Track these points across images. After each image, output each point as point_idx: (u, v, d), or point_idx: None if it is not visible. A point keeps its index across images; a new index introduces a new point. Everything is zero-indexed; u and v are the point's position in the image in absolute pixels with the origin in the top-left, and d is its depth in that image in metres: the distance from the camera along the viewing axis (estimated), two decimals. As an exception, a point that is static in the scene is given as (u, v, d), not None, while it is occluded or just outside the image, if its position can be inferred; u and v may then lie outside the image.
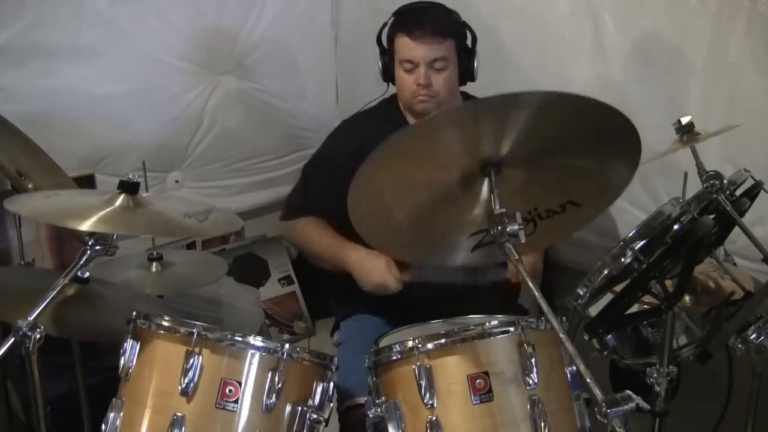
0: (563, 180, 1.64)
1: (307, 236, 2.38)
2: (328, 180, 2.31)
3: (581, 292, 1.72)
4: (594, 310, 1.83)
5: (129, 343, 1.63)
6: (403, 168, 1.57)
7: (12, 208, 1.66)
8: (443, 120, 1.58)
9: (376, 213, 1.65)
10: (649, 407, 1.42)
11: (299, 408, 1.61)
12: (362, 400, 1.98)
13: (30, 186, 2.01)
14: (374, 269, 2.18)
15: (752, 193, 1.94)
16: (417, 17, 2.17)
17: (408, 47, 2.15)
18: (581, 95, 1.45)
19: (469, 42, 2.23)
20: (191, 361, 1.56)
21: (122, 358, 1.63)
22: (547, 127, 1.51)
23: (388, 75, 2.26)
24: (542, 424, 1.55)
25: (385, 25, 2.24)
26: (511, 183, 1.58)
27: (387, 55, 2.24)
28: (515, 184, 1.59)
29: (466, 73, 2.23)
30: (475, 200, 1.62)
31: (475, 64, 2.22)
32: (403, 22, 2.18)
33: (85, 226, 1.56)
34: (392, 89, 2.32)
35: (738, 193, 1.91)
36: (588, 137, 1.55)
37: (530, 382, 1.58)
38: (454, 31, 2.18)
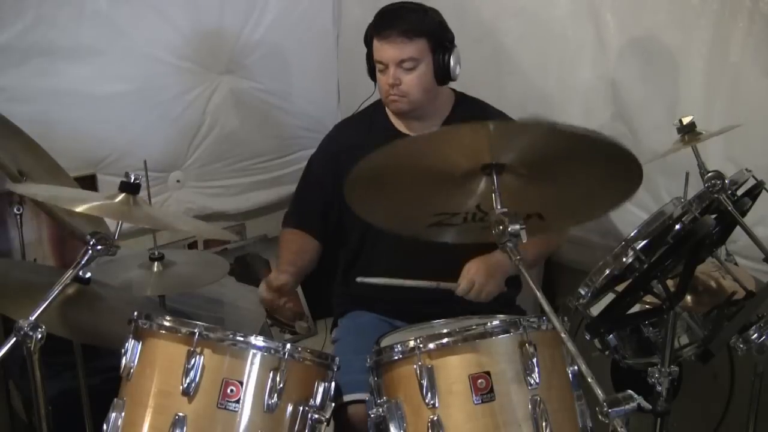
0: (548, 192, 1.60)
1: (280, 244, 2.40)
2: (315, 188, 2.35)
3: (583, 292, 1.71)
4: (595, 310, 1.83)
5: (130, 343, 1.63)
6: (404, 165, 1.54)
7: (15, 189, 1.66)
8: (443, 135, 1.57)
9: (369, 186, 1.60)
10: (650, 407, 1.42)
11: (301, 408, 1.61)
12: (359, 396, 1.99)
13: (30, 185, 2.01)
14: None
15: (754, 193, 1.93)
16: (387, 18, 2.19)
17: (378, 48, 2.19)
18: (587, 132, 1.42)
19: (445, 41, 2.21)
20: (193, 361, 1.56)
21: (124, 358, 1.63)
22: (549, 148, 1.48)
23: (373, 74, 2.29)
24: (544, 424, 1.55)
25: (370, 25, 2.25)
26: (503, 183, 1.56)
27: (370, 55, 2.26)
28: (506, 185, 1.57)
29: (442, 72, 2.21)
30: (471, 193, 1.60)
31: (453, 63, 2.21)
32: (376, 23, 2.21)
33: (82, 208, 1.58)
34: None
35: (739, 192, 1.91)
36: (590, 163, 1.52)
37: (532, 381, 1.58)
38: (426, 31, 2.17)
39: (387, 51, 2.16)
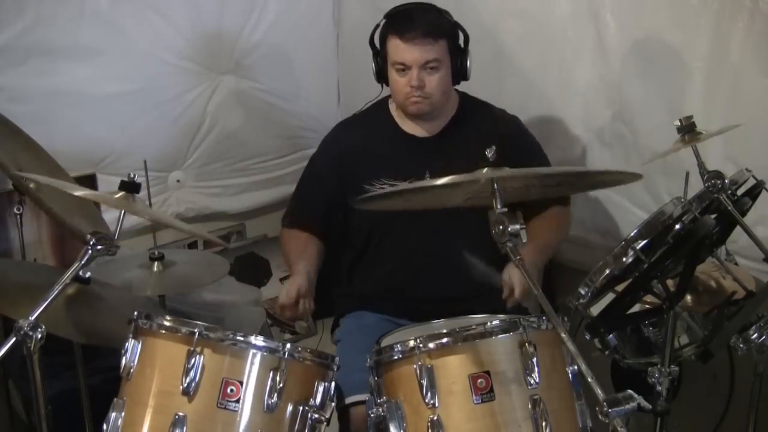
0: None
1: (283, 245, 2.39)
2: (317, 187, 2.33)
3: (583, 292, 1.71)
4: (595, 310, 1.83)
5: (131, 343, 1.63)
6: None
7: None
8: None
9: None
10: (650, 407, 1.42)
11: (301, 408, 1.61)
12: (361, 397, 1.99)
13: (31, 185, 2.01)
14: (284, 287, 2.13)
15: (754, 193, 1.93)
16: (408, 19, 2.16)
17: (400, 49, 2.15)
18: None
19: (461, 41, 2.23)
20: (193, 360, 1.56)
21: (124, 358, 1.63)
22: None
23: (381, 76, 2.27)
24: (543, 424, 1.55)
25: (377, 26, 2.23)
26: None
27: (380, 56, 2.24)
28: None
29: (460, 73, 2.22)
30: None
31: (468, 64, 2.22)
32: (395, 24, 2.18)
33: (82, 192, 1.60)
34: (387, 90, 2.32)
35: (739, 192, 1.91)
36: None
37: (532, 381, 1.58)
38: (446, 32, 2.18)
39: (412, 52, 2.13)
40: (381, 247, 2.32)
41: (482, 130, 2.27)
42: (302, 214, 2.34)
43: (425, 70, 2.15)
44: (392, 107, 2.32)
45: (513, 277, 2.07)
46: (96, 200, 1.67)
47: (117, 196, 1.65)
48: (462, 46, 2.22)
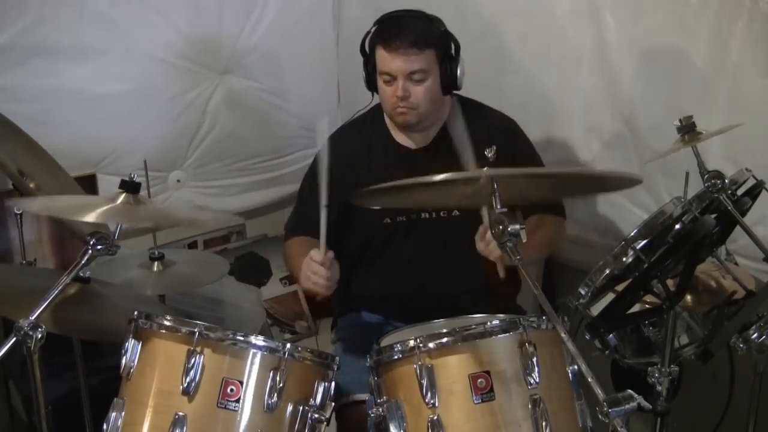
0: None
1: (288, 254, 2.35)
2: (318, 198, 2.31)
3: (583, 292, 1.72)
4: (595, 310, 1.83)
5: (130, 343, 1.63)
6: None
7: (14, 205, 1.67)
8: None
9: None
10: (650, 407, 1.42)
11: (301, 407, 1.61)
12: (360, 397, 1.98)
13: (32, 185, 2.01)
14: (303, 264, 2.06)
15: (754, 193, 1.93)
16: (394, 28, 2.12)
17: (385, 60, 2.11)
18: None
19: (451, 50, 2.18)
20: (193, 360, 1.56)
21: (124, 358, 1.63)
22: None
23: (371, 84, 2.24)
24: (543, 424, 1.55)
25: (367, 33, 2.20)
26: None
27: (369, 64, 2.21)
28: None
29: (449, 82, 2.17)
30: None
31: (458, 73, 2.17)
32: (381, 33, 2.14)
33: (89, 218, 1.57)
34: (377, 98, 2.30)
35: (739, 192, 1.91)
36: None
37: (532, 381, 1.58)
38: (433, 41, 2.12)
39: (396, 62, 2.09)
40: (379, 254, 2.31)
41: (475, 133, 2.24)
42: (308, 226, 2.32)
43: (410, 81, 2.10)
44: (386, 117, 2.30)
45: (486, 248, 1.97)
46: (103, 221, 1.65)
47: (119, 200, 1.65)
48: (453, 54, 2.18)
